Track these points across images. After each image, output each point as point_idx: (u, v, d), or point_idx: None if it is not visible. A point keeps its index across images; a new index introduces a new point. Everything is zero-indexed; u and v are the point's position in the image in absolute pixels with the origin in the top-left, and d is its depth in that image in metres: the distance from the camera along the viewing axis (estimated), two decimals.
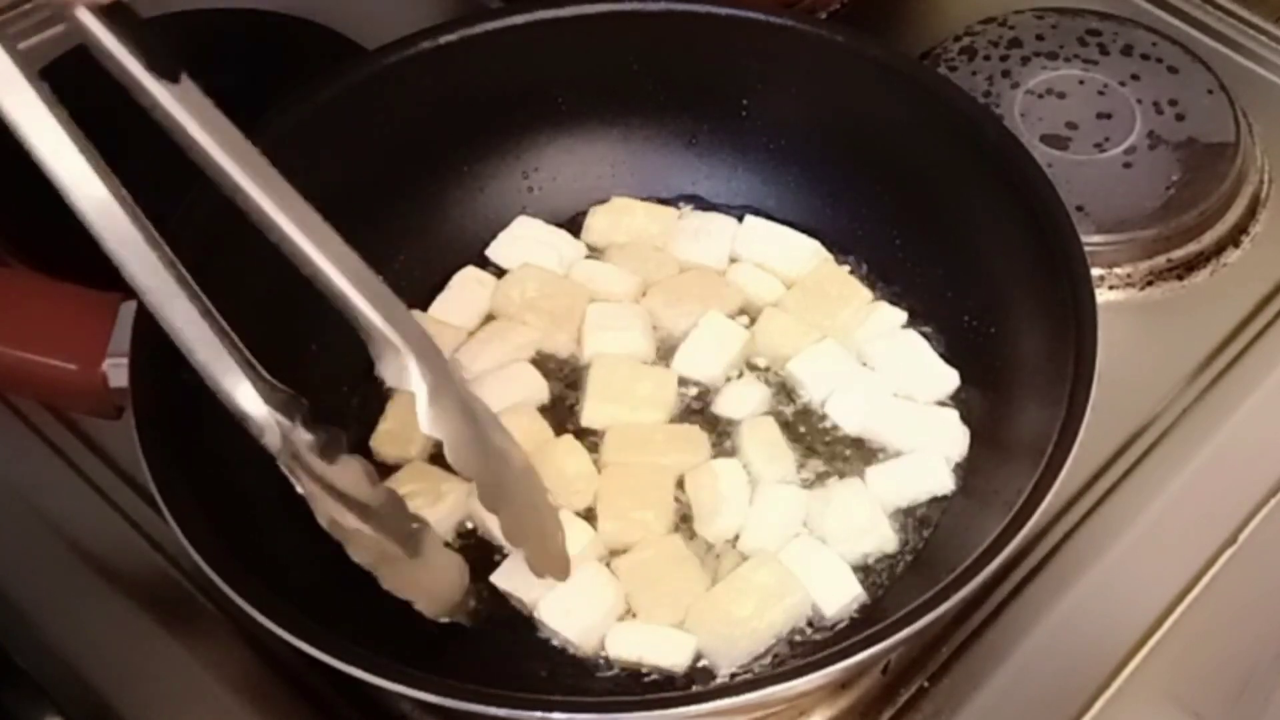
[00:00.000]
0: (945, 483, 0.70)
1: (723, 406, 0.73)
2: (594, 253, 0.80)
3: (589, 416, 0.73)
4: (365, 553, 0.60)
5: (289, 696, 0.66)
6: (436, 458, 0.72)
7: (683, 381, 0.74)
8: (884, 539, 0.68)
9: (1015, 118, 0.88)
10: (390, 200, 0.76)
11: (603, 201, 0.81)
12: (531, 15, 0.77)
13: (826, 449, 0.72)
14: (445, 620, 0.65)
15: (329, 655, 0.54)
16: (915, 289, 0.77)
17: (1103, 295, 0.81)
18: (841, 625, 0.66)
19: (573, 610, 0.65)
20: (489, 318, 0.77)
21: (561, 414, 0.73)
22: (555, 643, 0.65)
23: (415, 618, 0.66)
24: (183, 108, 0.51)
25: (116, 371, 0.62)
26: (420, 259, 0.77)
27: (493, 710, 0.53)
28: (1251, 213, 0.87)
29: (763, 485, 0.70)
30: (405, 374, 0.54)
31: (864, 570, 0.68)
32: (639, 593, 0.66)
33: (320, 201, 0.56)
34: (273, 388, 0.55)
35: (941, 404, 0.73)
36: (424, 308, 0.76)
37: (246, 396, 0.54)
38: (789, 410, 0.74)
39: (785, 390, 0.74)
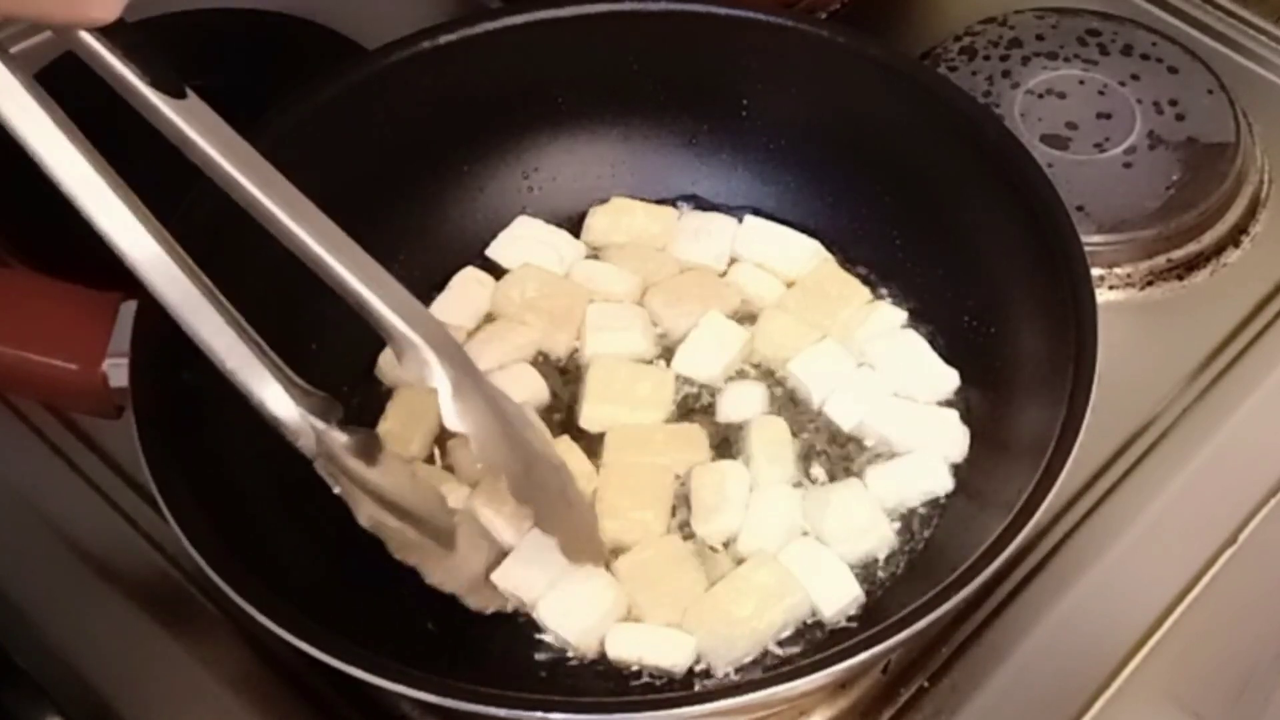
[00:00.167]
0: (945, 483, 0.70)
1: (724, 408, 0.73)
2: (594, 253, 0.80)
3: (588, 417, 0.72)
4: (407, 549, 0.60)
5: (289, 696, 0.66)
6: (435, 458, 0.72)
7: (683, 381, 0.74)
8: (884, 539, 0.68)
9: (1015, 118, 0.88)
10: (390, 200, 0.76)
11: (603, 201, 0.81)
12: (531, 15, 0.77)
13: (826, 449, 0.72)
14: (489, 611, 0.65)
15: (329, 655, 0.54)
16: (915, 289, 0.77)
17: (1103, 295, 0.81)
18: (841, 626, 0.66)
19: (571, 611, 0.65)
20: (489, 318, 0.77)
21: (561, 414, 0.73)
22: (555, 643, 0.65)
23: (415, 617, 0.66)
24: (191, 124, 0.52)
25: (116, 371, 0.62)
26: (420, 259, 0.77)
27: (493, 710, 0.53)
28: (1251, 213, 0.87)
29: (762, 485, 0.70)
30: (427, 371, 0.55)
31: (864, 570, 0.68)
32: (638, 593, 0.66)
33: (321, 201, 0.56)
34: (305, 391, 0.55)
35: (941, 404, 0.73)
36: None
37: (279, 401, 0.55)
38: (789, 410, 0.73)
39: (785, 390, 0.74)
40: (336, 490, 0.58)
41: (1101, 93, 0.90)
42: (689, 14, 0.77)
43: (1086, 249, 0.67)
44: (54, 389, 0.65)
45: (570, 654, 0.65)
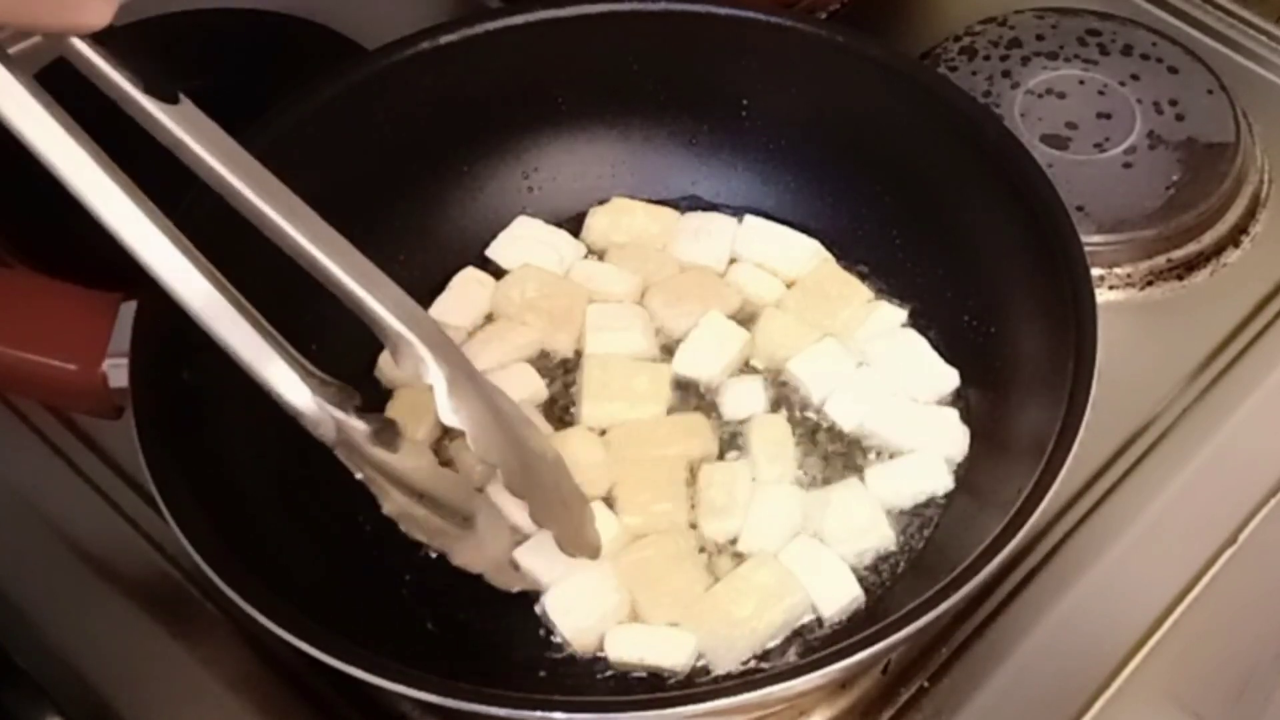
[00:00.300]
0: (945, 482, 0.70)
1: (728, 405, 0.73)
2: (594, 253, 0.80)
3: (589, 415, 0.72)
4: (431, 534, 0.62)
5: (289, 696, 0.66)
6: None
7: (683, 382, 0.74)
8: (884, 539, 0.68)
9: (1015, 118, 0.88)
10: (390, 200, 0.76)
11: (603, 201, 0.81)
12: (531, 15, 0.77)
13: (826, 449, 0.72)
14: (515, 590, 0.65)
15: (329, 655, 0.54)
16: (915, 289, 0.77)
17: (1103, 295, 0.81)
18: (841, 625, 0.66)
19: (574, 609, 0.65)
20: (489, 318, 0.77)
21: (560, 414, 0.73)
22: (556, 641, 0.65)
23: (415, 617, 0.66)
24: (184, 128, 0.52)
25: (116, 371, 0.62)
26: (420, 259, 0.77)
27: (493, 710, 0.53)
28: (1251, 213, 0.87)
29: (764, 484, 0.70)
30: (422, 367, 0.55)
31: (864, 570, 0.68)
32: (639, 592, 0.66)
33: (321, 201, 0.56)
34: (322, 381, 0.56)
35: (941, 404, 0.73)
36: (424, 308, 0.76)
37: (296, 391, 0.55)
38: (789, 410, 0.73)
39: (785, 390, 0.74)
40: (359, 476, 0.59)
41: (1101, 93, 0.90)
42: (689, 14, 0.77)
43: (1086, 249, 0.67)
44: (54, 389, 0.65)
45: (570, 654, 0.65)
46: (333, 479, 0.69)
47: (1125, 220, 0.83)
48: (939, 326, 0.75)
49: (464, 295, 0.77)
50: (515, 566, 0.66)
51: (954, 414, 0.72)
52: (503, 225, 0.80)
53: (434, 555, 0.68)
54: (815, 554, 0.67)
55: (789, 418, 0.73)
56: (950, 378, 0.73)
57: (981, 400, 0.72)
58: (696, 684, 0.64)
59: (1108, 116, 0.89)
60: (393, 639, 0.64)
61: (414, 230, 0.78)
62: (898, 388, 0.73)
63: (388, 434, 0.60)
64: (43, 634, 0.68)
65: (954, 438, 0.71)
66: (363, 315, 0.55)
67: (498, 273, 0.79)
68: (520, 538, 0.67)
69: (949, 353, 0.74)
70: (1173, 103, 0.89)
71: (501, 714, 0.53)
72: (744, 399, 0.73)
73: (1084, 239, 0.68)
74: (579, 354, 0.76)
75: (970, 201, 0.74)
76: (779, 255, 0.79)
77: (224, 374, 0.64)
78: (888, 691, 0.67)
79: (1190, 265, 0.84)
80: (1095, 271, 0.76)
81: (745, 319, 0.77)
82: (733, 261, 0.79)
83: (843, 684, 0.66)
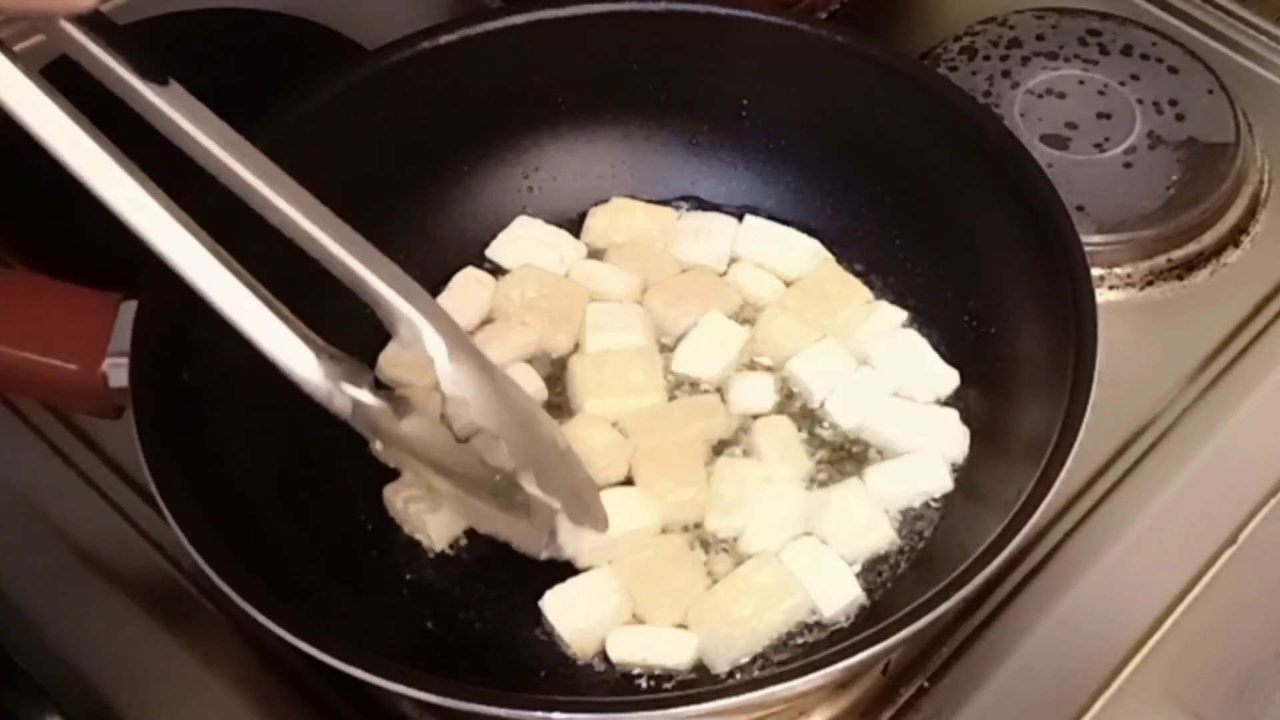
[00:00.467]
0: (945, 483, 0.70)
1: (736, 399, 0.73)
2: (594, 253, 0.80)
3: (591, 414, 0.72)
4: (454, 504, 0.63)
5: (289, 696, 0.66)
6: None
7: (683, 381, 0.75)
8: (884, 539, 0.68)
9: (1015, 118, 0.88)
10: (390, 200, 0.76)
11: (603, 201, 0.81)
12: (531, 15, 0.77)
13: (826, 449, 0.72)
14: (545, 558, 0.64)
15: (329, 655, 0.54)
16: (915, 289, 0.77)
17: (1103, 295, 0.81)
18: (841, 625, 0.66)
19: (572, 610, 0.65)
20: (489, 318, 0.77)
21: (560, 414, 0.73)
22: (555, 643, 0.65)
23: (415, 617, 0.66)
24: (176, 108, 0.53)
25: (116, 371, 0.62)
26: (420, 259, 0.77)
27: (493, 710, 0.53)
28: (1251, 213, 0.87)
29: (776, 482, 0.70)
30: (421, 338, 0.55)
31: (864, 571, 0.68)
32: (639, 592, 0.66)
33: (321, 201, 0.56)
34: (334, 357, 0.56)
35: (941, 404, 0.73)
36: None
37: (309, 367, 0.56)
38: (789, 410, 0.73)
39: (785, 390, 0.74)
40: (376, 448, 0.59)
41: (1101, 93, 0.90)
42: (689, 14, 0.77)
43: (1086, 249, 0.67)
44: (54, 389, 0.65)
45: (571, 654, 0.65)
46: (333, 479, 0.69)
47: (1125, 220, 0.83)
48: (939, 326, 0.75)
49: (464, 295, 0.77)
50: (551, 534, 0.66)
51: (954, 414, 0.72)
52: (503, 225, 0.80)
53: (434, 555, 0.68)
54: (816, 554, 0.67)
55: (789, 418, 0.73)
56: (950, 378, 0.73)
57: (981, 400, 0.72)
58: (697, 684, 0.64)
59: (1108, 116, 0.89)
60: (393, 639, 0.64)
61: (414, 230, 0.78)
62: (897, 388, 0.73)
63: (400, 406, 0.60)
64: (43, 634, 0.68)
65: (954, 438, 0.71)
66: (360, 291, 0.55)
67: (498, 272, 0.79)
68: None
69: (949, 353, 0.74)
70: (1173, 103, 0.89)
71: (501, 714, 0.53)
72: (752, 394, 0.73)
73: (1084, 239, 0.68)
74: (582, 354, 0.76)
75: (970, 201, 0.74)
76: (779, 255, 0.79)
77: (224, 374, 0.64)
78: (888, 691, 0.67)
79: (1190, 265, 0.84)
80: (1095, 271, 0.76)
81: (745, 319, 0.77)
82: (733, 261, 0.79)
83: (843, 684, 0.66)
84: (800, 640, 0.65)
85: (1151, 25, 0.94)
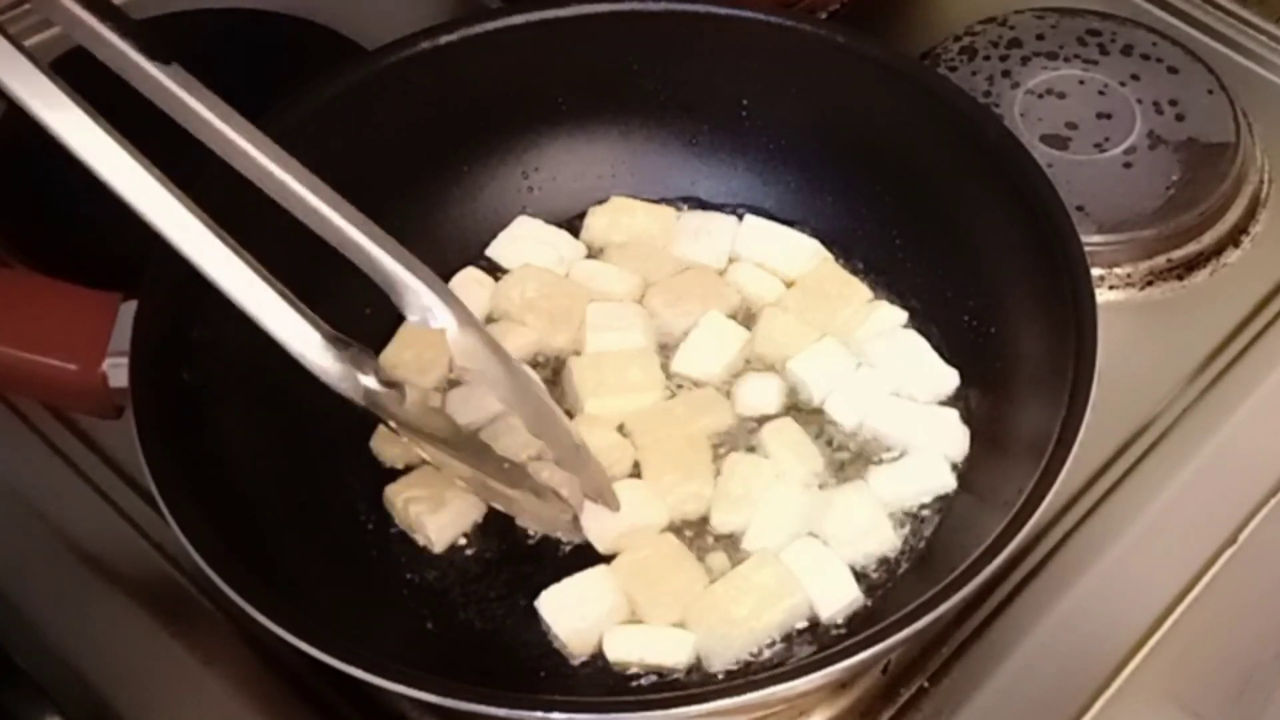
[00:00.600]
0: (946, 483, 0.70)
1: (742, 400, 0.73)
2: (594, 253, 0.80)
3: (592, 413, 0.72)
4: (470, 485, 0.63)
5: (289, 696, 0.66)
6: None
7: (684, 381, 0.75)
8: (885, 540, 0.68)
9: (1015, 118, 0.88)
10: (390, 200, 0.76)
11: (603, 201, 0.81)
12: (531, 15, 0.77)
13: (827, 449, 0.72)
14: (576, 542, 0.66)
15: (329, 655, 0.54)
16: (915, 289, 0.77)
17: (1103, 295, 0.81)
18: (840, 626, 0.66)
19: (568, 609, 0.65)
20: (489, 318, 0.77)
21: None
22: (554, 643, 0.65)
23: (415, 618, 0.66)
24: (180, 85, 0.54)
25: (116, 371, 0.62)
26: (420, 258, 0.77)
27: (493, 710, 0.53)
28: (1251, 213, 0.87)
29: (776, 483, 0.70)
30: (430, 312, 0.56)
31: (864, 571, 0.68)
32: (638, 592, 0.66)
33: None
34: (343, 342, 0.57)
35: (941, 404, 0.73)
36: None
37: (317, 351, 0.56)
38: (796, 410, 0.73)
39: (786, 390, 0.74)
40: (391, 427, 0.60)
41: (1101, 93, 0.90)
42: (689, 14, 0.78)
43: (1086, 249, 0.67)
44: (54, 389, 0.65)
45: (570, 654, 0.65)
46: (333, 479, 0.69)
47: (1125, 220, 0.83)
48: (939, 326, 0.75)
49: (464, 295, 0.76)
50: (573, 517, 0.66)
51: (954, 414, 0.72)
52: (503, 225, 0.80)
53: (433, 555, 0.68)
54: (816, 554, 0.67)
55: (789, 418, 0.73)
56: (950, 378, 0.73)
57: (982, 400, 0.72)
58: (696, 684, 0.64)
59: (1108, 116, 0.89)
60: (393, 639, 0.64)
61: (414, 230, 0.77)
62: (897, 388, 0.73)
63: (407, 395, 0.61)
64: (43, 634, 0.68)
65: (954, 438, 0.71)
66: (368, 268, 0.56)
67: (498, 272, 0.79)
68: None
69: (949, 353, 0.74)
70: (1173, 103, 0.89)
71: (501, 714, 0.53)
72: (758, 395, 0.73)
73: (1084, 239, 0.68)
74: (580, 354, 0.75)
75: (970, 201, 0.74)
76: (779, 255, 0.79)
77: (224, 374, 0.64)
78: (888, 691, 0.67)
79: (1190, 265, 0.84)
80: (1095, 271, 0.76)
81: (745, 319, 0.77)
82: (732, 261, 0.79)
83: (843, 684, 0.66)
84: (799, 640, 0.65)
85: (1151, 25, 0.94)
